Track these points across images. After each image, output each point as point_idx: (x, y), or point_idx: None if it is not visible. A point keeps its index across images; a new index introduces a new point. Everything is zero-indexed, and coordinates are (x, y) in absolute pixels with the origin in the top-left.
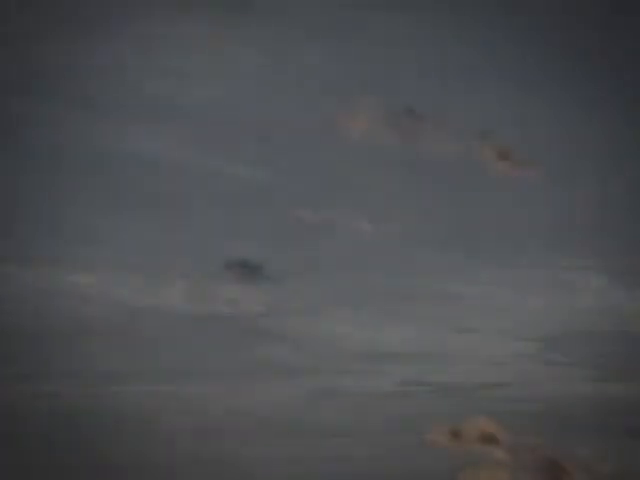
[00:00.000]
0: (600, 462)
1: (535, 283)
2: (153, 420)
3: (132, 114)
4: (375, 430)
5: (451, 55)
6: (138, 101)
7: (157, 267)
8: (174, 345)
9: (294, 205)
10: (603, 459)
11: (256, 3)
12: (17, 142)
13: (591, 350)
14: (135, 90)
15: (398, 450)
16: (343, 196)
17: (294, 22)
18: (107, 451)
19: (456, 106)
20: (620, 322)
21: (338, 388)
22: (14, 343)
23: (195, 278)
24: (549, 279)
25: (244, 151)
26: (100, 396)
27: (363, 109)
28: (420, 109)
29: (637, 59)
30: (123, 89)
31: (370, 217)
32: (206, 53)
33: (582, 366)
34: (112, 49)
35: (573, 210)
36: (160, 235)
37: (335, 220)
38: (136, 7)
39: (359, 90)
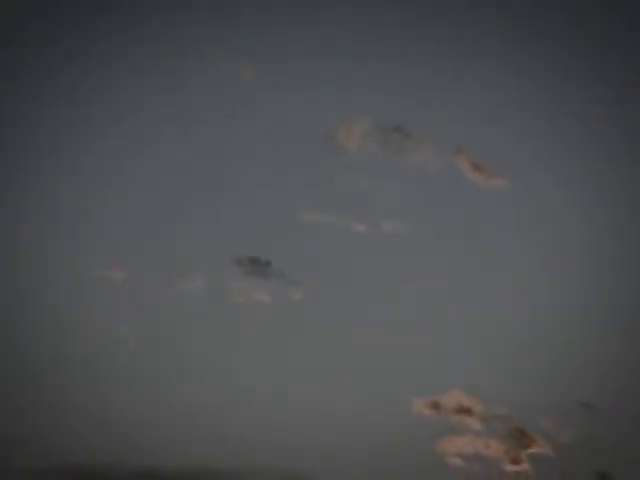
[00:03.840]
0: (560, 430)
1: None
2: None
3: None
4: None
5: (434, 79)
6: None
7: (174, 263)
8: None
9: (299, 208)
10: (563, 428)
11: (257, 27)
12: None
13: None
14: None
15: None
16: (343, 201)
17: (295, 45)
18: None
19: (436, 124)
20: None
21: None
22: None
23: (210, 273)
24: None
25: (253, 161)
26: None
27: (358, 125)
28: (407, 127)
29: (603, 77)
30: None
31: (365, 220)
32: (207, 70)
33: None
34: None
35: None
36: (176, 234)
37: (335, 222)
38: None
39: (355, 108)
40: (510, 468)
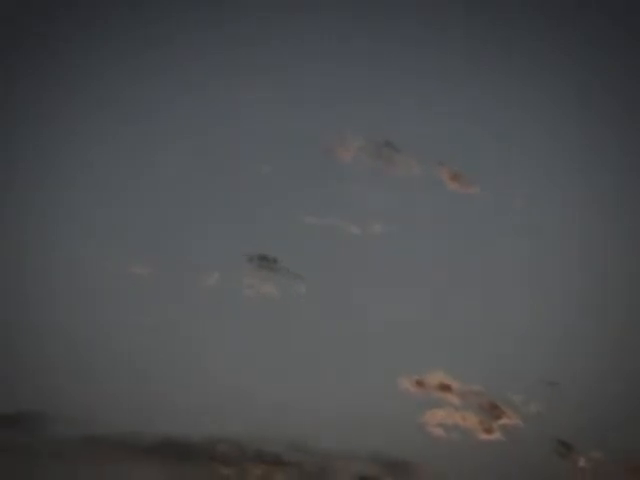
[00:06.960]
0: (528, 404)
1: None
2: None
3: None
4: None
5: (419, 98)
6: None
7: (189, 261)
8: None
9: (302, 211)
10: (531, 402)
11: (257, 52)
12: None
13: None
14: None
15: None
16: (340, 205)
17: (296, 60)
18: None
19: (421, 139)
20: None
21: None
22: None
23: (225, 270)
24: None
25: (260, 170)
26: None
27: (353, 140)
28: (396, 142)
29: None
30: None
31: (360, 222)
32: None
33: None
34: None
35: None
36: (190, 235)
37: (334, 224)
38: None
39: (351, 125)
40: (484, 436)
